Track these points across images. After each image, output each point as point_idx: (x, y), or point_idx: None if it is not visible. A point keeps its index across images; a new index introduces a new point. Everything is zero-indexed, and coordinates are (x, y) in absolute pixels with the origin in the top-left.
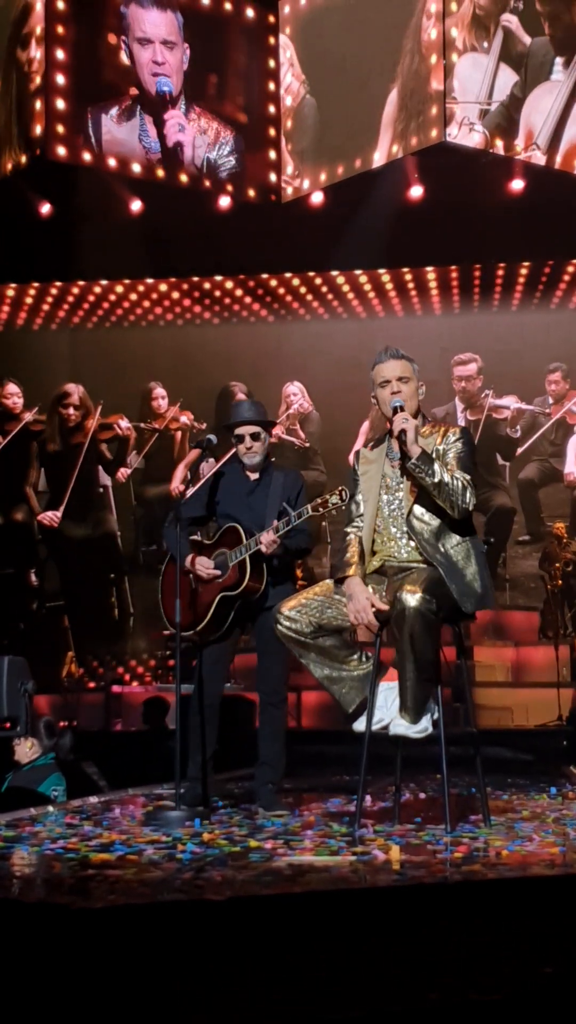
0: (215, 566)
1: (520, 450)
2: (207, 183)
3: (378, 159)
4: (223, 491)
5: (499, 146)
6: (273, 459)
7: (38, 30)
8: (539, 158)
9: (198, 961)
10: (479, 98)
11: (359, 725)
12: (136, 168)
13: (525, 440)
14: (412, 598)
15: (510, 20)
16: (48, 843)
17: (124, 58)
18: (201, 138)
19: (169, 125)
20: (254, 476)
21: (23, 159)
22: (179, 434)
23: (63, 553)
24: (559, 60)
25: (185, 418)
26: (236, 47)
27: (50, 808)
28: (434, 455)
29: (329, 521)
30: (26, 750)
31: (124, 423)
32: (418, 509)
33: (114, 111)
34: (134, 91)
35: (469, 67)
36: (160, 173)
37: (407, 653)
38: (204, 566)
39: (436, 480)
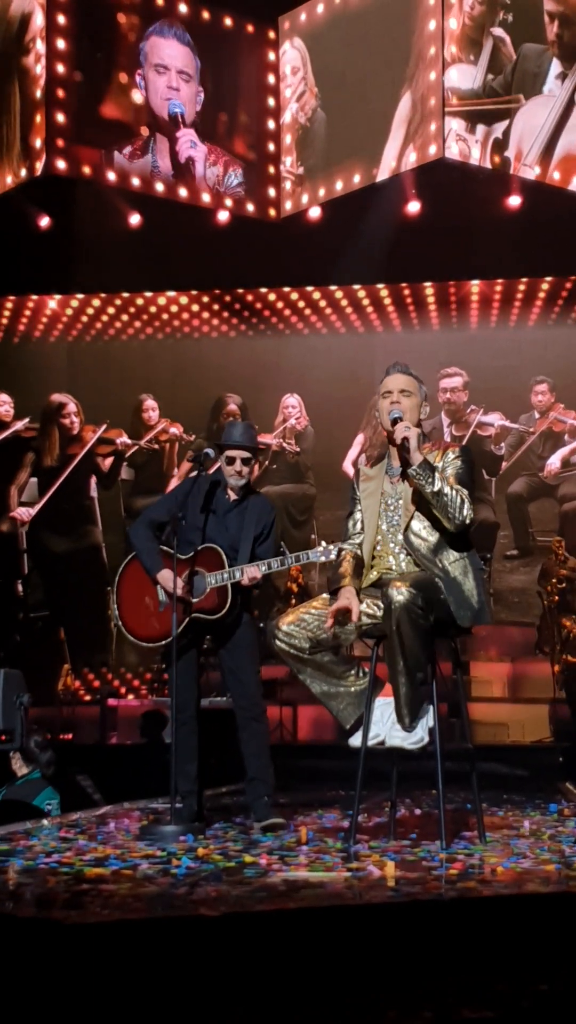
0: (191, 585)
1: (506, 465)
2: (206, 198)
3: (376, 175)
4: (196, 500)
5: (488, 159)
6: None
7: (38, 45)
8: (529, 172)
9: (192, 977)
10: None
11: (355, 740)
12: (136, 182)
13: (513, 454)
14: (399, 593)
15: (499, 33)
16: (42, 857)
17: (136, 97)
18: (212, 170)
19: (182, 142)
20: (234, 497)
21: (23, 172)
22: (168, 446)
23: (46, 564)
24: (555, 70)
25: (175, 429)
26: (247, 89)
27: (45, 821)
28: None
29: (320, 535)
30: (15, 764)
31: (124, 439)
32: (416, 525)
33: (127, 149)
34: (145, 130)
35: (457, 79)
36: (160, 187)
37: (396, 649)
38: (179, 586)
39: (435, 489)
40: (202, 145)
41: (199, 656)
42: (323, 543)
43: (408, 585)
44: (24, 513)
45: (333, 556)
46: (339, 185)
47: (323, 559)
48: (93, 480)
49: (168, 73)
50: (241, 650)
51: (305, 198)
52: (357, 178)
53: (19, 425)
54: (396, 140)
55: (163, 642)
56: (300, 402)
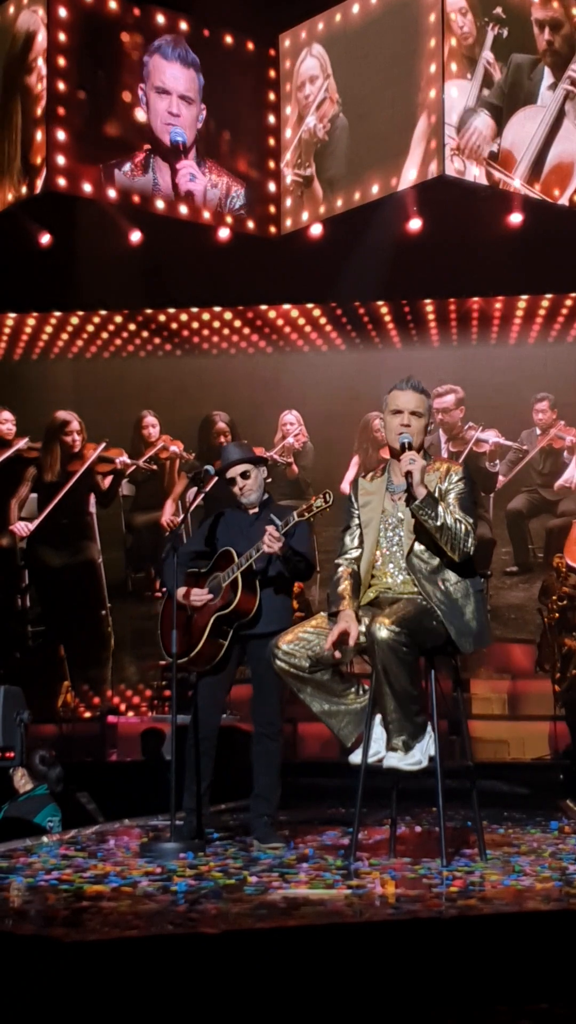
0: (209, 591)
1: (503, 480)
2: (207, 215)
3: (377, 192)
4: (223, 528)
5: (479, 174)
6: (267, 495)
7: (40, 62)
8: (520, 184)
9: (192, 995)
10: (458, 124)
11: (355, 758)
12: (136, 199)
13: (512, 470)
14: (381, 630)
15: (489, 56)
16: (42, 874)
17: (139, 115)
18: (213, 191)
19: (181, 175)
20: (253, 511)
21: (23, 189)
22: (169, 463)
23: (43, 579)
24: (547, 81)
25: (175, 447)
26: (247, 106)
27: (45, 839)
28: (436, 493)
29: (320, 551)
30: (18, 780)
31: (124, 458)
32: (418, 547)
33: (127, 167)
34: (147, 147)
35: (456, 95)
36: (160, 205)
37: (383, 684)
38: (197, 594)
39: (439, 523)
40: (202, 177)
41: (230, 680)
42: (322, 494)
43: (392, 621)
44: (22, 528)
45: (320, 504)
46: (339, 203)
47: (325, 506)
48: (92, 497)
49: (169, 98)
50: (266, 664)
51: (305, 215)
52: (357, 195)
53: (21, 444)
54: (408, 158)
55: (191, 654)
56: (299, 419)
